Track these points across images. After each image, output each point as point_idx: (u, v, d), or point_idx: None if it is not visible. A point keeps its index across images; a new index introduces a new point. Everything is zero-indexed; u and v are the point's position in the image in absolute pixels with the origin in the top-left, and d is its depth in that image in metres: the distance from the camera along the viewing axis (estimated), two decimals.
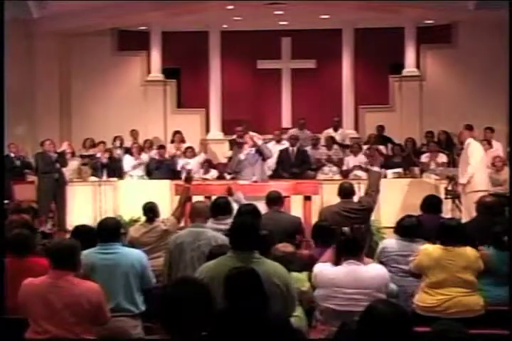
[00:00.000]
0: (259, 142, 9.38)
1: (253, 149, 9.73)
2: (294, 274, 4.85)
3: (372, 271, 4.71)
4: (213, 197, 8.99)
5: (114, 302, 4.71)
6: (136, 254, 5.03)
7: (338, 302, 4.61)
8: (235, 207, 6.80)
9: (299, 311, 4.72)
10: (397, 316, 2.91)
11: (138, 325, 4.78)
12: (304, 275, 4.99)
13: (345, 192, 7.06)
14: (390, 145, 12.85)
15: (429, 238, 5.79)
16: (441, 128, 12.85)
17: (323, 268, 4.77)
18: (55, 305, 4.14)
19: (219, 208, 6.25)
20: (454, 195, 10.01)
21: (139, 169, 12.14)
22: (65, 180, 11.13)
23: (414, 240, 5.75)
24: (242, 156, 9.56)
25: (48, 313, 4.15)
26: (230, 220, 6.11)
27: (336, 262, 4.75)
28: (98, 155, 12.24)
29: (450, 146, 12.24)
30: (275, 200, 6.88)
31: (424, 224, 6.18)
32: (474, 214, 7.38)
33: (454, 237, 5.25)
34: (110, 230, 4.98)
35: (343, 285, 4.62)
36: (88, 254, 4.85)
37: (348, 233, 4.96)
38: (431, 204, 6.78)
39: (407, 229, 5.81)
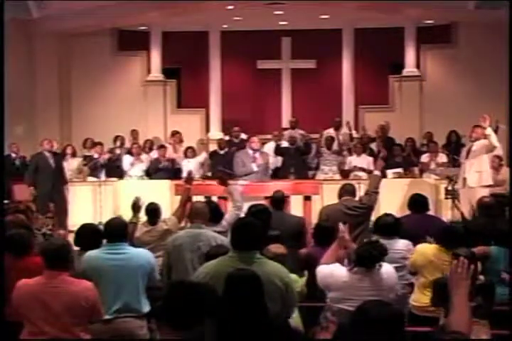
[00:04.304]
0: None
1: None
2: None
3: (384, 272, 4.68)
4: (213, 198, 9.07)
5: (122, 302, 4.70)
6: (145, 254, 5.03)
7: (352, 304, 4.47)
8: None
9: (295, 312, 4.71)
10: (389, 316, 2.89)
11: (144, 325, 4.78)
12: (294, 275, 4.91)
13: (347, 191, 6.98)
14: (375, 144, 12.78)
15: (416, 236, 5.85)
16: (441, 128, 12.83)
17: (335, 270, 4.70)
18: (52, 305, 4.13)
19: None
20: (454, 195, 10.00)
21: (138, 169, 12.08)
22: (65, 180, 11.13)
23: (393, 238, 5.79)
24: (255, 168, 9.81)
25: (45, 314, 4.13)
26: (215, 228, 6.07)
27: (350, 269, 4.67)
28: (96, 156, 12.20)
29: (459, 147, 12.03)
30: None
31: (412, 222, 6.21)
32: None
33: (456, 242, 5.25)
34: (117, 231, 4.96)
35: (358, 288, 4.59)
36: (95, 255, 4.85)
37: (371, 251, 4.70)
38: (417, 202, 6.78)
39: (385, 227, 5.86)
